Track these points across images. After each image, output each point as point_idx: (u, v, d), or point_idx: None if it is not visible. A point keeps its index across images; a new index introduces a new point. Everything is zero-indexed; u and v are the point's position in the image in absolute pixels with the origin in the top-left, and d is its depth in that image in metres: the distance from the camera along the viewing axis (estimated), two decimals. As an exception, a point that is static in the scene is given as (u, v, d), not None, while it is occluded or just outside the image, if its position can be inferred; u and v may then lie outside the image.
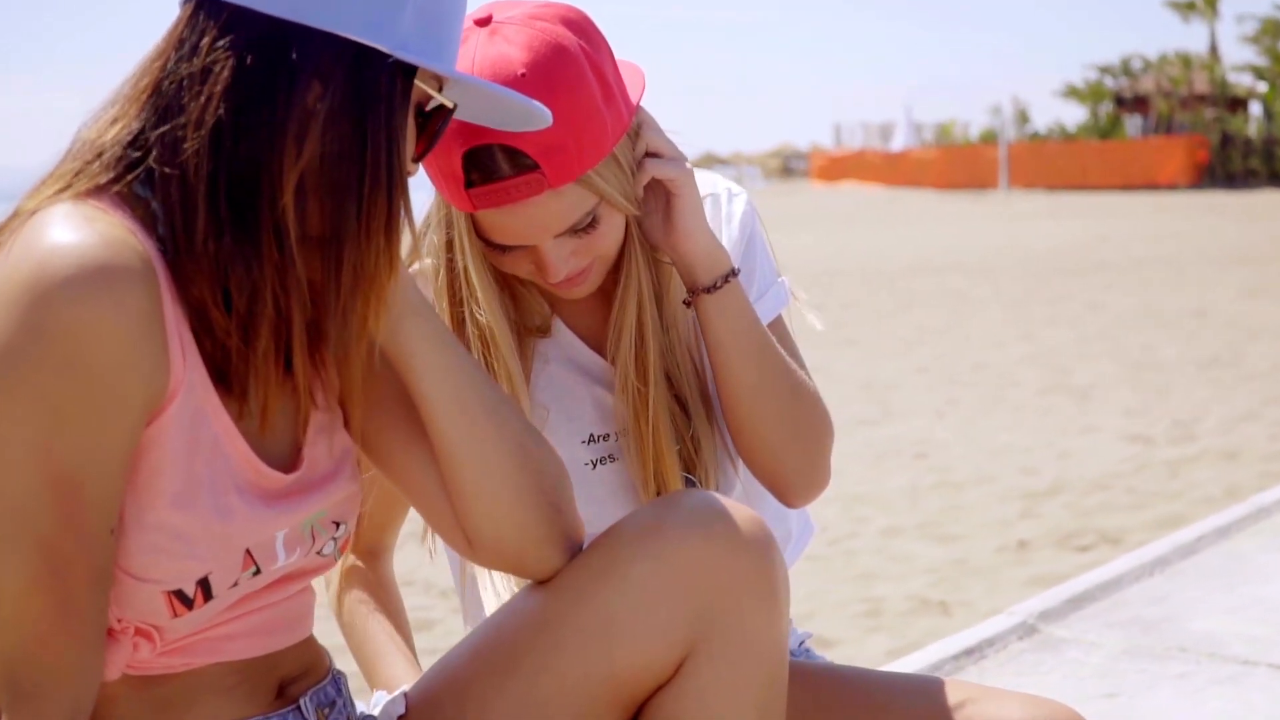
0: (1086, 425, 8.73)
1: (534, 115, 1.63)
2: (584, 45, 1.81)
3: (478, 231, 1.88)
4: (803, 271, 18.06)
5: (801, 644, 2.17)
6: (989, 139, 55.59)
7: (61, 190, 1.44)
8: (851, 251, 22.05)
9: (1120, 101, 54.87)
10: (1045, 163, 46.52)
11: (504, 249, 1.88)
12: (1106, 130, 53.64)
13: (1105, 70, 56.15)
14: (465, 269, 1.91)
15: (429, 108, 1.57)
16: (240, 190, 1.42)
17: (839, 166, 55.09)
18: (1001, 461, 7.89)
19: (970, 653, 3.33)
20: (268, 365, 1.48)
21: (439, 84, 1.56)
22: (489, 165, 1.78)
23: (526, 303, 2.01)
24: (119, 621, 1.47)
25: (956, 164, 49.90)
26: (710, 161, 57.67)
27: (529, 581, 1.70)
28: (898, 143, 56.90)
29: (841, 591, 5.81)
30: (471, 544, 1.65)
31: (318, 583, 1.71)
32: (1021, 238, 24.22)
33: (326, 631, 1.91)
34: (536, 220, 1.82)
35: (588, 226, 1.86)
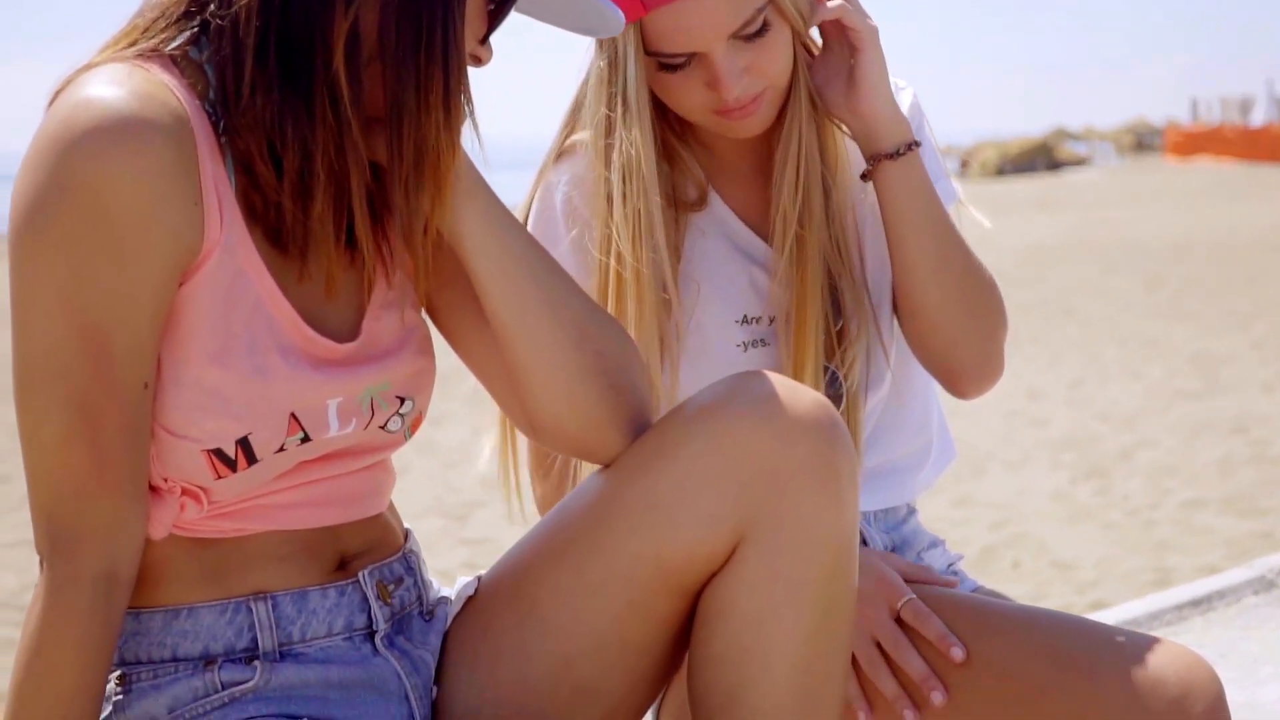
0: None
1: (608, 18, 1.60)
2: None
3: (647, 48, 1.84)
4: (1148, 247, 17.53)
5: (951, 566, 2.07)
6: (1359, 112, 52.88)
7: (128, 46, 1.48)
8: (1201, 228, 21.21)
9: None
10: None
11: (674, 69, 1.84)
12: None
13: None
14: (624, 89, 1.85)
15: None
16: (290, 48, 1.43)
17: (1194, 142, 53.04)
18: (1326, 437, 7.51)
19: (1197, 603, 3.15)
20: (325, 231, 1.48)
21: None
22: None
23: (683, 169, 1.97)
24: (165, 480, 1.48)
25: (1322, 139, 47.53)
26: (1061, 137, 56.15)
27: None
28: (1257, 117, 54.51)
29: (1132, 561, 5.63)
30: (533, 427, 1.63)
31: None
32: (1386, 214, 22.96)
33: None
34: (706, 17, 1.79)
35: (759, 32, 1.82)
